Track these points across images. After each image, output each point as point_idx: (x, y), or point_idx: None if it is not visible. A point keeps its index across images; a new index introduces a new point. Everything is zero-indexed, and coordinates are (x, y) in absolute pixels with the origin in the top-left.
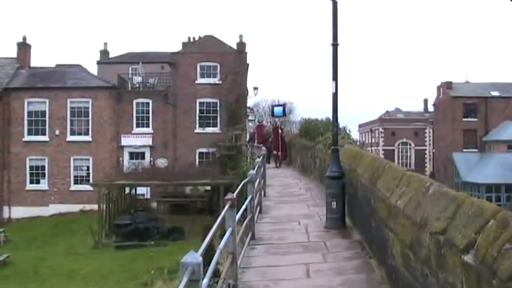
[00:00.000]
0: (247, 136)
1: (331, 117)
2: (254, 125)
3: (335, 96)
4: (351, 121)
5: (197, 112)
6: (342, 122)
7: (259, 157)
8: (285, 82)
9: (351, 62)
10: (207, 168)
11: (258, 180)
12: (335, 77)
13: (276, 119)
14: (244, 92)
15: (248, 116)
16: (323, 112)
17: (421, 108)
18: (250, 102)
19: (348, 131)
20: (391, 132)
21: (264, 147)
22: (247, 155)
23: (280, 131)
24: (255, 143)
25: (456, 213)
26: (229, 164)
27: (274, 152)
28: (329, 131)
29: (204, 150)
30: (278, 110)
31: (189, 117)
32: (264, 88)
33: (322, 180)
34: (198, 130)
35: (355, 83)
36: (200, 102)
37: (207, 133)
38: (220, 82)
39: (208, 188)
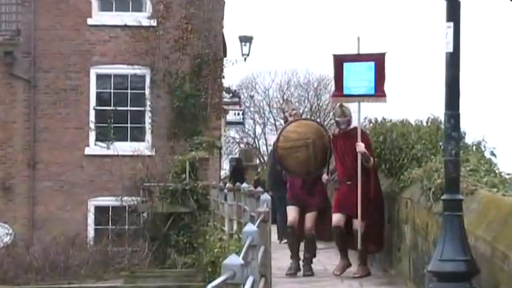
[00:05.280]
0: (226, 165)
1: (441, 118)
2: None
3: (453, 60)
4: (494, 131)
5: (92, 102)
6: (470, 131)
7: (252, 218)
8: (315, 33)
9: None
10: (118, 249)
11: (250, 283)
12: (453, 15)
13: (346, 110)
14: (217, 49)
15: (226, 111)
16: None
17: None
18: (233, 77)
19: (488, 152)
20: None
21: (266, 195)
22: (223, 213)
23: (363, 149)
24: (246, 182)
25: None
26: (175, 239)
27: (337, 220)
28: (438, 153)
29: (109, 201)
30: (359, 74)
31: (70, 115)
32: (267, 41)
33: (419, 282)
34: (93, 150)
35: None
36: (100, 76)
37: (119, 157)
38: (154, 24)
39: None
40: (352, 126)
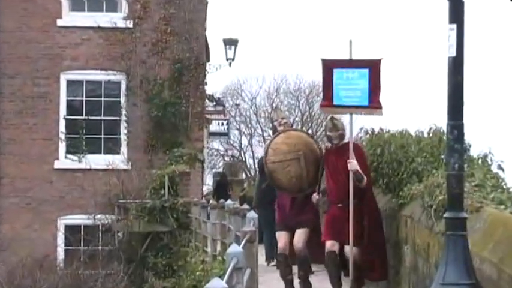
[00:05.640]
0: (209, 180)
1: (444, 129)
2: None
3: (456, 65)
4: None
5: (62, 111)
6: (475, 142)
7: (238, 238)
8: (307, 36)
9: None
10: (91, 272)
11: None
12: (457, 16)
13: (338, 123)
14: (199, 53)
15: (210, 121)
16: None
17: None
18: (217, 83)
19: (495, 165)
20: None
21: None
22: (205, 233)
23: (355, 167)
24: (232, 199)
25: None
26: (154, 261)
27: (331, 244)
28: (440, 166)
29: (81, 219)
30: (351, 82)
31: (37, 125)
32: (254, 44)
33: None
34: (63, 163)
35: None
36: (71, 82)
37: (91, 171)
38: (130, 25)
39: None
40: (345, 140)
